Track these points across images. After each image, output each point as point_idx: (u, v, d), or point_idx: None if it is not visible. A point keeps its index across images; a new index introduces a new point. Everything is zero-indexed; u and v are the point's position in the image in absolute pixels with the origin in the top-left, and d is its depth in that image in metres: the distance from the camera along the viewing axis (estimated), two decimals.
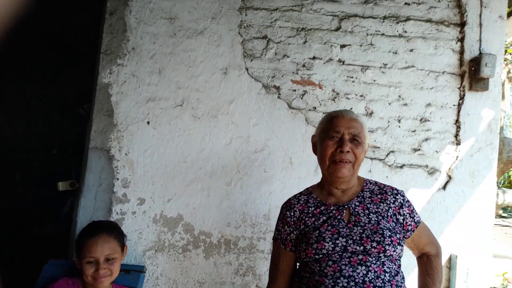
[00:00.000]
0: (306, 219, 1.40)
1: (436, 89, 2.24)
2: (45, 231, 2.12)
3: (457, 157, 2.21)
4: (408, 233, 1.43)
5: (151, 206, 2.08)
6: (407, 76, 2.23)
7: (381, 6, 2.23)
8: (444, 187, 2.20)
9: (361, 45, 2.22)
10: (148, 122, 2.10)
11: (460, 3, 2.25)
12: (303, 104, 2.18)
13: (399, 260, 1.36)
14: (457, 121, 2.23)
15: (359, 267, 1.25)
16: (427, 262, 1.53)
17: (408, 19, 2.24)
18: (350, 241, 1.29)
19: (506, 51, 4.22)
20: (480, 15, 2.26)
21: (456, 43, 2.27)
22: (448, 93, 2.24)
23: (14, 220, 2.12)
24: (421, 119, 2.22)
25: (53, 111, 2.18)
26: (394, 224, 1.38)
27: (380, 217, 1.36)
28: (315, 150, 1.50)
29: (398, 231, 1.36)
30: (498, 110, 2.29)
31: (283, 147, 2.15)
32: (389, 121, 2.21)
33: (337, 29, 2.21)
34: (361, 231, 1.31)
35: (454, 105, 2.24)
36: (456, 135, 2.23)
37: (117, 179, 2.07)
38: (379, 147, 2.20)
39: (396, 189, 1.48)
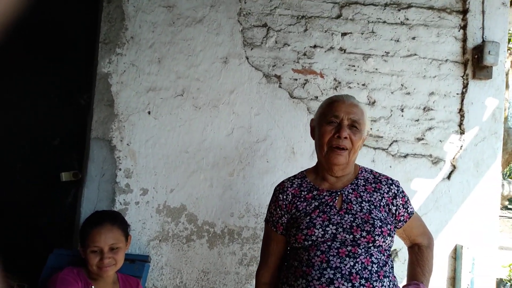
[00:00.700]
0: (298, 203, 1.39)
1: (439, 78, 2.22)
2: (49, 221, 2.12)
3: (461, 146, 2.19)
4: (400, 224, 1.42)
5: (154, 196, 2.07)
6: (410, 65, 2.21)
7: None
8: (448, 177, 2.18)
9: (362, 33, 2.20)
10: (149, 112, 2.10)
11: None
12: (305, 94, 2.16)
13: (389, 250, 1.35)
14: (460, 110, 2.21)
15: (347, 258, 1.24)
16: (418, 253, 1.51)
17: (409, 6, 2.21)
18: (340, 229, 1.28)
19: (509, 40, 4.18)
20: (483, 2, 2.23)
21: (459, 31, 2.24)
22: (451, 82, 2.22)
23: (17, 211, 2.12)
24: (424, 108, 2.20)
25: (54, 101, 2.18)
26: (386, 214, 1.36)
27: (372, 206, 1.34)
28: (313, 135, 1.48)
29: (390, 222, 1.35)
30: (502, 99, 2.26)
31: (285, 137, 2.13)
32: (392, 110, 2.20)
33: (338, 16, 2.19)
34: (352, 219, 1.30)
35: (457, 93, 2.22)
36: (460, 124, 2.21)
37: (120, 169, 2.06)
38: (382, 137, 2.18)
39: (391, 179, 1.46)
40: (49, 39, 2.19)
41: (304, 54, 2.18)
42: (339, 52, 2.19)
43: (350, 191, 1.38)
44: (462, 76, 2.22)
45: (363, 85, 2.19)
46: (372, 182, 1.42)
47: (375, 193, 1.38)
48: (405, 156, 2.17)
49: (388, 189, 1.41)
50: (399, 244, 1.85)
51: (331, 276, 1.22)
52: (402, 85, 2.20)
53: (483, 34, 2.24)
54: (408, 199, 1.45)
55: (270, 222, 1.46)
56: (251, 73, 2.15)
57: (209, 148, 2.11)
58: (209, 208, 2.09)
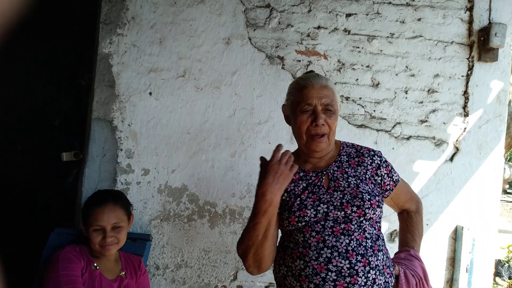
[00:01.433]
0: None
1: (444, 60, 2.19)
2: (50, 201, 2.13)
3: (465, 128, 2.18)
4: (386, 193, 1.43)
5: (156, 177, 2.07)
6: (415, 46, 2.18)
7: None
8: (451, 159, 2.17)
9: (367, 14, 2.17)
10: (150, 93, 2.08)
11: None
12: None
13: (379, 222, 1.37)
14: (465, 92, 2.19)
15: (342, 236, 1.25)
16: (407, 218, 1.54)
17: None
18: (331, 207, 1.28)
19: None
20: None
21: (465, 12, 2.21)
22: (456, 64, 2.19)
23: (18, 191, 2.13)
24: (428, 90, 2.18)
25: (54, 82, 2.16)
26: (372, 186, 1.37)
27: (358, 180, 1.35)
28: (288, 121, 1.46)
29: (377, 193, 1.36)
30: (507, 81, 2.24)
31: None
32: (396, 92, 2.18)
33: None
34: (341, 196, 1.30)
35: (462, 76, 2.19)
36: (464, 107, 2.19)
37: (121, 149, 2.06)
38: (385, 119, 2.17)
39: (373, 150, 1.45)
40: (49, 20, 2.16)
41: (308, 35, 2.15)
42: (343, 33, 2.16)
43: (335, 168, 1.38)
44: (468, 58, 2.19)
45: (367, 66, 2.16)
46: (354, 156, 1.42)
47: (359, 167, 1.39)
48: (408, 138, 2.16)
49: (371, 160, 1.41)
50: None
51: (329, 255, 1.23)
52: (406, 67, 2.18)
53: (489, 16, 2.20)
54: (392, 168, 1.45)
55: None
56: (254, 54, 2.12)
57: (211, 129, 2.10)
58: (210, 189, 2.09)
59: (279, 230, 1.40)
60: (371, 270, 1.23)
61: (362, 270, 1.22)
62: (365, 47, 2.17)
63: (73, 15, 2.18)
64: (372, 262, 1.24)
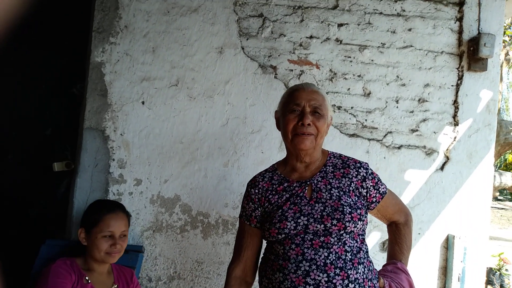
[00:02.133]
0: (270, 196, 1.40)
1: (434, 69, 2.22)
2: (41, 212, 2.11)
3: (455, 138, 2.20)
4: (372, 205, 1.43)
5: (148, 187, 2.06)
6: (405, 56, 2.21)
7: None
8: (441, 168, 2.19)
9: (359, 24, 2.19)
10: (143, 102, 2.07)
11: None
12: None
13: (363, 234, 1.36)
14: (455, 101, 2.22)
15: (321, 249, 1.25)
16: (396, 230, 1.53)
17: None
18: (311, 220, 1.29)
19: (504, 32, 4.19)
20: None
21: (455, 23, 2.24)
22: (446, 74, 2.22)
23: (9, 201, 2.10)
24: (419, 100, 2.21)
25: (46, 91, 2.15)
26: (356, 198, 1.37)
27: (341, 193, 1.35)
28: (278, 126, 1.49)
29: (360, 206, 1.36)
30: (497, 91, 2.27)
31: None
32: (387, 102, 2.20)
33: (335, 7, 2.18)
34: (322, 208, 1.30)
35: (452, 85, 2.22)
36: (454, 116, 2.21)
37: (113, 159, 2.05)
38: (376, 128, 2.18)
39: (359, 161, 1.45)
40: (41, 28, 2.15)
41: (300, 45, 2.16)
42: (335, 43, 2.18)
43: (319, 179, 1.38)
44: (458, 68, 2.22)
45: (359, 76, 2.18)
46: (340, 167, 1.42)
47: (343, 179, 1.39)
48: (399, 148, 2.18)
49: (356, 172, 1.41)
50: None
51: (307, 268, 1.24)
52: (397, 76, 2.20)
53: (479, 26, 2.24)
54: (378, 180, 1.45)
55: (243, 217, 1.47)
56: (247, 63, 2.13)
57: (204, 138, 2.10)
58: (203, 199, 2.08)
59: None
60: (350, 284, 1.23)
61: (340, 283, 1.22)
62: (357, 56, 2.19)
63: (65, 23, 2.17)
64: (351, 276, 1.24)
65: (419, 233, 2.15)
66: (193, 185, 2.08)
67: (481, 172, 2.19)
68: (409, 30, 2.21)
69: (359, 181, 1.40)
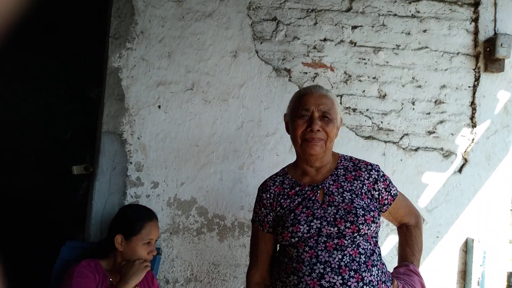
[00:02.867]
0: (282, 201, 1.39)
1: (450, 71, 2.20)
2: (60, 214, 2.15)
3: (473, 139, 2.17)
4: (384, 207, 1.42)
5: (165, 190, 2.08)
6: (421, 58, 2.19)
7: None
8: (460, 170, 2.16)
9: (373, 26, 2.19)
10: (159, 106, 2.11)
11: None
12: None
13: (376, 237, 1.36)
14: (472, 103, 2.19)
15: (335, 252, 1.25)
16: (407, 232, 1.53)
17: None
18: (324, 223, 1.28)
19: None
20: None
21: (470, 24, 2.22)
22: (463, 75, 2.20)
23: (29, 204, 2.15)
24: (435, 101, 2.19)
25: (65, 96, 2.20)
26: (369, 201, 1.36)
27: (354, 195, 1.34)
28: (288, 130, 1.48)
29: (373, 208, 1.35)
30: None
31: None
32: (403, 104, 2.18)
33: (348, 9, 2.18)
34: (335, 211, 1.30)
35: (469, 86, 2.20)
36: (472, 117, 2.19)
37: (131, 162, 2.08)
38: (393, 130, 2.17)
39: (370, 164, 1.44)
40: (59, 34, 2.20)
41: (314, 48, 2.17)
42: (350, 45, 2.18)
43: (331, 182, 1.37)
44: (474, 69, 2.20)
45: (374, 78, 2.18)
46: (352, 170, 1.41)
47: (355, 181, 1.38)
48: (416, 150, 2.16)
49: (368, 175, 1.40)
50: None
51: (321, 270, 1.23)
52: (413, 78, 2.19)
53: (495, 27, 2.21)
54: (390, 182, 1.44)
55: (256, 222, 1.47)
56: (261, 67, 2.14)
57: (219, 141, 2.12)
58: (219, 201, 2.10)
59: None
60: (364, 286, 1.23)
61: (355, 286, 1.22)
62: (371, 58, 2.18)
63: (83, 30, 2.22)
64: (365, 278, 1.24)
65: (437, 237, 2.12)
66: (209, 188, 2.10)
67: (500, 174, 2.16)
68: (424, 31, 2.20)
69: (371, 183, 1.39)
